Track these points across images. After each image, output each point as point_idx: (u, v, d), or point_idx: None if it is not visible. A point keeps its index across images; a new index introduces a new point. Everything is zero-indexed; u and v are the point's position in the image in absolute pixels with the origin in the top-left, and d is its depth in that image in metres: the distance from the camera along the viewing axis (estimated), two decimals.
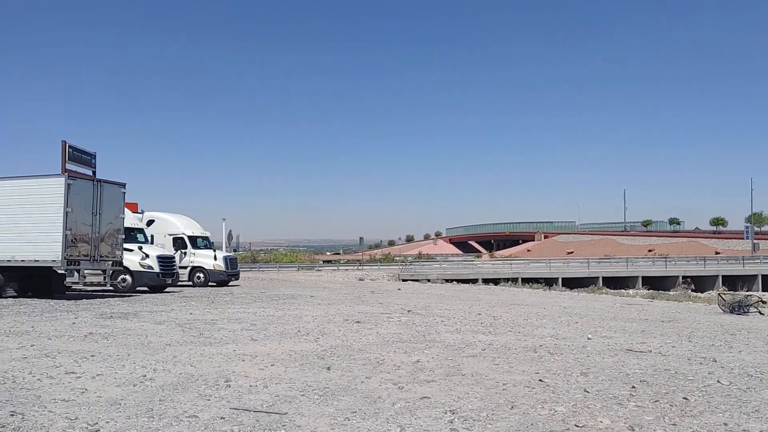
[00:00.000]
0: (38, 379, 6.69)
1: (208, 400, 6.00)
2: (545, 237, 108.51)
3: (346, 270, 53.84)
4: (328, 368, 7.72)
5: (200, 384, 6.68)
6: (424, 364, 8.11)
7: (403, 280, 43.02)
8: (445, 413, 5.59)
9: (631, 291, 37.63)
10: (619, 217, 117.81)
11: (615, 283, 44.26)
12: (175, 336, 10.42)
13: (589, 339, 10.82)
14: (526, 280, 42.55)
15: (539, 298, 24.39)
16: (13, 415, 5.29)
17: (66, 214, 18.04)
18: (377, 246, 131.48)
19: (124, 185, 20.40)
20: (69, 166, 31.94)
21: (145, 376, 7.03)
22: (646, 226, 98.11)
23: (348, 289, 28.09)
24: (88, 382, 6.62)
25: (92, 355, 8.29)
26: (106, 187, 19.61)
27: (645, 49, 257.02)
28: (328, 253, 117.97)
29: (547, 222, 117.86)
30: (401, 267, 51.90)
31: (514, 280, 42.65)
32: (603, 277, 45.52)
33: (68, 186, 18.22)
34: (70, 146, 32.14)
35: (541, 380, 7.08)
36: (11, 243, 18.59)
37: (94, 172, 33.22)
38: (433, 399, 6.17)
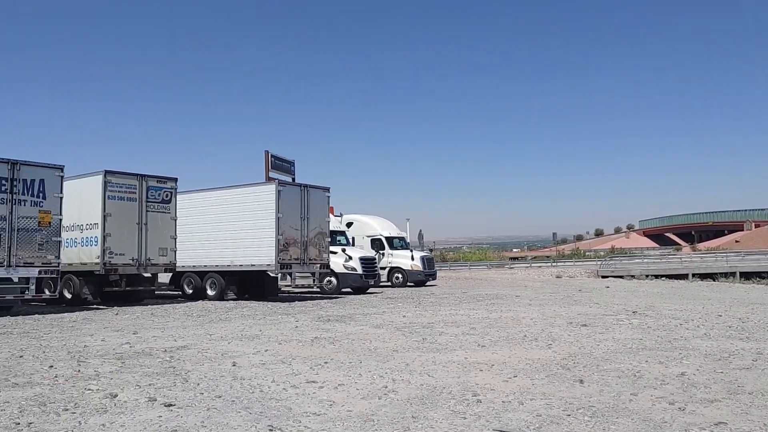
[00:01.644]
0: (283, 389, 6.52)
1: (464, 418, 5.42)
2: (756, 226, 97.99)
3: (539, 267, 52.08)
4: (581, 381, 6.86)
5: (447, 398, 6.13)
6: (692, 378, 6.98)
7: (603, 277, 40.58)
8: None
9: None
10: None
11: None
12: (398, 341, 10.09)
13: None
14: (746, 275, 38.29)
15: None
16: (271, 430, 5.05)
17: (278, 219, 18.73)
18: (564, 241, 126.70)
19: (328, 189, 20.85)
20: (272, 173, 33.79)
21: (386, 387, 6.63)
22: None
23: (551, 288, 26.78)
24: (332, 393, 6.33)
25: (325, 362, 8.11)
26: (311, 191, 20.14)
27: None
28: (515, 250, 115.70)
29: (758, 209, 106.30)
30: (600, 263, 49.10)
31: (731, 275, 38.55)
32: None
33: (278, 192, 18.91)
34: (272, 155, 33.99)
35: None
36: (230, 249, 19.68)
37: (293, 179, 34.91)
38: (732, 426, 5.11)
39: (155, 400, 5.99)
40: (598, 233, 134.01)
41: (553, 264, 55.82)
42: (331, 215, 22.52)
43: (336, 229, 23.90)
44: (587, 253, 79.51)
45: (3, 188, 14.79)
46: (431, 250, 44.81)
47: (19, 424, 5.16)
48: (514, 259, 77.05)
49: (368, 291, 23.92)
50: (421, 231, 35.45)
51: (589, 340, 10.10)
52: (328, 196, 20.91)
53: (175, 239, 19.09)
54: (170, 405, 5.77)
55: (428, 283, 29.57)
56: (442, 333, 11.05)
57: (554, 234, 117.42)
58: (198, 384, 6.74)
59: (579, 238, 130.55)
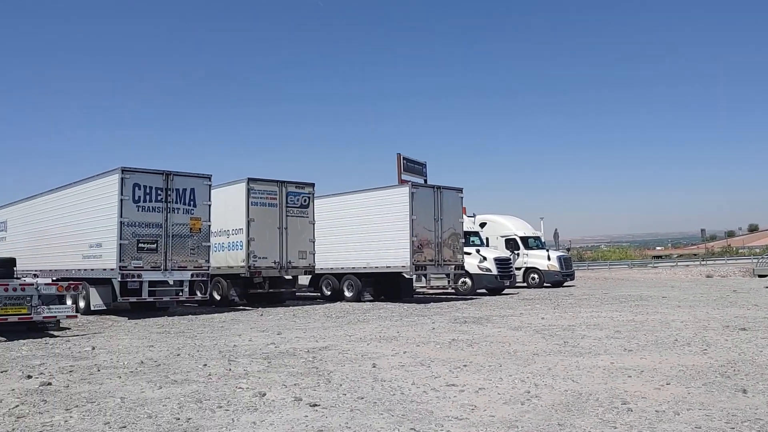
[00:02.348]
0: (423, 392, 6.51)
1: (615, 427, 5.14)
2: None
3: (686, 266, 49.03)
4: (744, 391, 6.32)
5: (594, 405, 5.86)
6: None
7: (760, 276, 37.41)
8: None
9: None
10: None
11: None
12: (538, 344, 9.81)
13: None
14: None
15: None
16: None
17: (412, 221, 18.87)
18: (713, 238, 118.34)
19: (461, 190, 20.74)
20: (404, 176, 34.12)
21: (528, 392, 6.44)
22: None
23: (701, 288, 25.08)
24: (473, 398, 6.24)
25: (464, 365, 8.02)
26: (444, 192, 20.11)
27: None
28: (658, 248, 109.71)
29: None
30: (756, 261, 45.40)
31: None
32: None
33: (412, 194, 19.06)
34: (404, 158, 34.34)
35: None
36: (366, 251, 20.06)
37: (425, 180, 35.04)
38: None
39: (301, 399, 6.17)
40: (753, 229, 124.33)
41: (702, 262, 52.37)
42: (464, 216, 22.38)
43: (470, 229, 23.72)
44: (740, 251, 73.91)
45: (159, 198, 15.93)
46: (568, 249, 43.36)
47: (179, 419, 5.49)
48: (658, 257, 73.07)
49: (503, 292, 23.55)
50: (556, 230, 34.37)
51: (750, 345, 9.33)
52: (461, 197, 20.80)
53: (314, 242, 19.73)
54: (315, 405, 5.92)
55: (566, 284, 28.69)
56: (584, 336, 10.63)
57: (703, 230, 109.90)
58: (340, 385, 6.88)
59: (730, 234, 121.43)
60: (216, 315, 16.34)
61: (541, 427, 5.19)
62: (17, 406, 6.04)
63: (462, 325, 12.86)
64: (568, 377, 7.15)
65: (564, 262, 28.55)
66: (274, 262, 18.91)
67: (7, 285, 11.99)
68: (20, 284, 12.25)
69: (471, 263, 22.25)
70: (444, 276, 20.56)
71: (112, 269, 15.43)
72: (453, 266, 20.39)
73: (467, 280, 22.62)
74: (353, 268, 20.66)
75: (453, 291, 22.98)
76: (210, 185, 16.86)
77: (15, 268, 14.06)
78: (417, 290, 23.05)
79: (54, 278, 16.15)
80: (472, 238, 23.76)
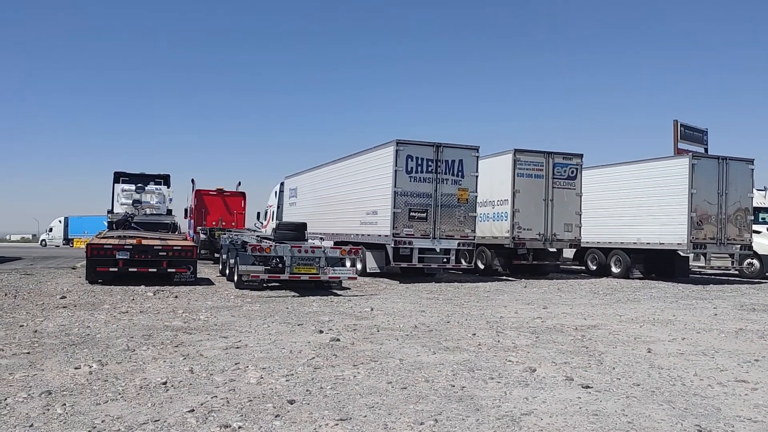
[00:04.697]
0: (708, 385, 6.01)
1: None
2: None
3: None
4: None
5: None
6: None
7: None
8: None
9: None
10: None
11: None
12: None
13: None
14: None
15: None
16: (700, 430, 4.68)
17: (691, 195, 17.38)
18: None
19: (751, 161, 18.53)
20: (681, 145, 31.41)
21: None
22: None
23: None
24: None
25: (756, 360, 7.23)
26: (731, 164, 18.14)
27: None
28: None
29: None
30: None
31: None
32: None
33: (692, 166, 17.53)
34: (681, 125, 31.59)
35: None
36: (636, 225, 18.98)
37: (705, 149, 31.90)
38: None
39: (572, 379, 6.07)
40: None
41: None
42: (754, 190, 20.00)
43: (761, 205, 21.18)
44: None
45: (429, 169, 16.63)
46: None
47: (453, 386, 5.74)
48: None
49: None
50: None
51: None
52: (752, 169, 18.57)
53: (580, 215, 19.16)
54: (587, 387, 5.79)
55: None
56: None
57: None
58: (613, 368, 6.63)
59: None
60: (480, 284, 16.72)
61: None
62: (313, 358, 6.79)
63: (750, 312, 11.60)
64: None
65: None
66: (539, 234, 18.76)
67: (300, 247, 13.53)
68: (310, 246, 13.74)
69: (760, 243, 19.87)
70: (727, 256, 18.67)
71: (386, 235, 16.55)
72: (738, 246, 18.41)
73: (755, 261, 20.27)
74: (621, 243, 19.69)
75: (736, 273, 20.79)
76: (477, 156, 17.15)
77: (306, 232, 15.76)
78: (693, 270, 21.30)
79: (334, 242, 17.83)
80: (763, 215, 21.20)
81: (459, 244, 17.04)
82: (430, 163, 16.66)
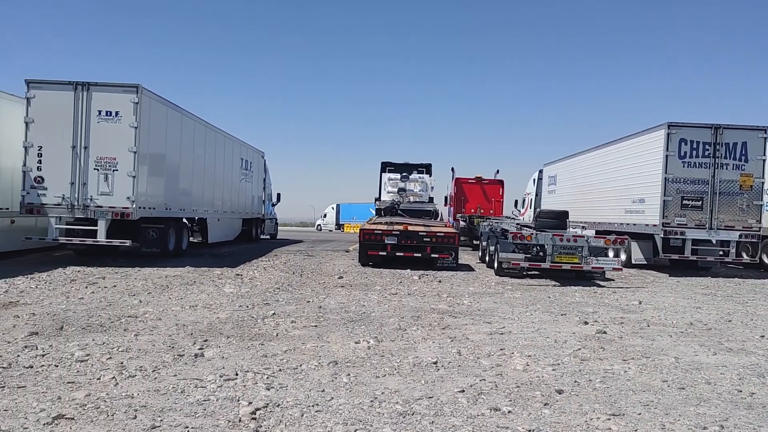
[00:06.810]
0: None
1: None
2: None
3: None
4: None
5: None
6: None
7: None
8: None
9: None
10: None
11: None
12: None
13: None
14: None
15: None
16: None
17: None
18: None
19: None
20: None
21: None
22: None
23: None
24: None
25: None
26: None
27: None
28: None
29: None
30: None
31: None
32: None
33: None
34: None
35: None
36: None
37: None
38: None
39: None
40: None
41: None
42: None
43: None
44: None
45: (706, 153, 15.20)
46: None
47: (741, 391, 5.22)
48: None
49: None
50: None
51: None
52: None
53: None
54: None
55: None
56: None
57: None
58: None
59: None
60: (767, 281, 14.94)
61: None
62: (579, 349, 6.64)
63: None
64: None
65: None
66: None
67: (562, 235, 13.25)
68: (573, 235, 13.38)
69: None
70: None
71: (654, 225, 15.50)
72: None
73: None
74: None
75: None
76: (766, 138, 15.26)
77: (568, 220, 15.39)
78: None
79: (596, 231, 17.14)
80: None
81: (740, 236, 15.36)
82: (707, 146, 15.21)
